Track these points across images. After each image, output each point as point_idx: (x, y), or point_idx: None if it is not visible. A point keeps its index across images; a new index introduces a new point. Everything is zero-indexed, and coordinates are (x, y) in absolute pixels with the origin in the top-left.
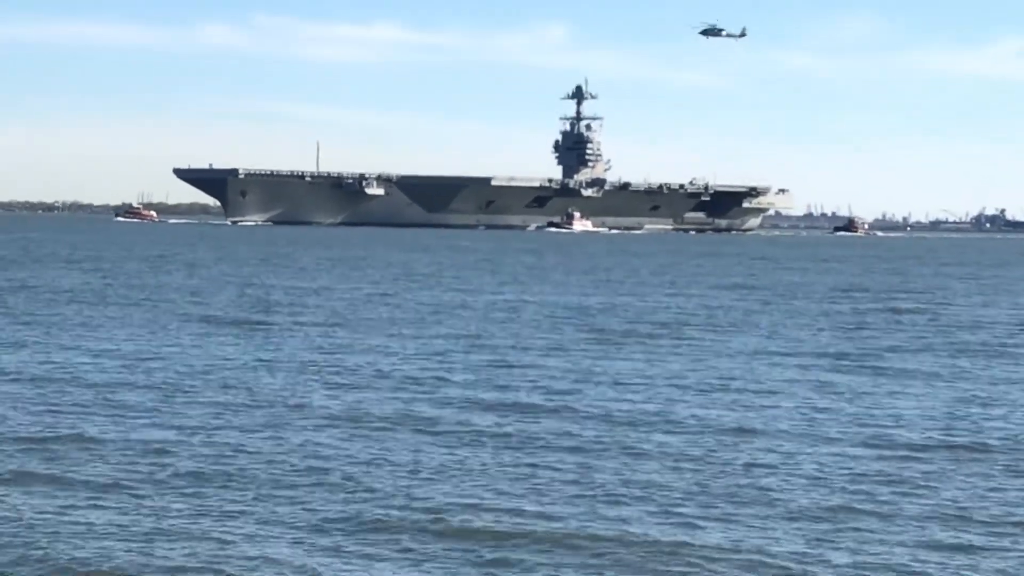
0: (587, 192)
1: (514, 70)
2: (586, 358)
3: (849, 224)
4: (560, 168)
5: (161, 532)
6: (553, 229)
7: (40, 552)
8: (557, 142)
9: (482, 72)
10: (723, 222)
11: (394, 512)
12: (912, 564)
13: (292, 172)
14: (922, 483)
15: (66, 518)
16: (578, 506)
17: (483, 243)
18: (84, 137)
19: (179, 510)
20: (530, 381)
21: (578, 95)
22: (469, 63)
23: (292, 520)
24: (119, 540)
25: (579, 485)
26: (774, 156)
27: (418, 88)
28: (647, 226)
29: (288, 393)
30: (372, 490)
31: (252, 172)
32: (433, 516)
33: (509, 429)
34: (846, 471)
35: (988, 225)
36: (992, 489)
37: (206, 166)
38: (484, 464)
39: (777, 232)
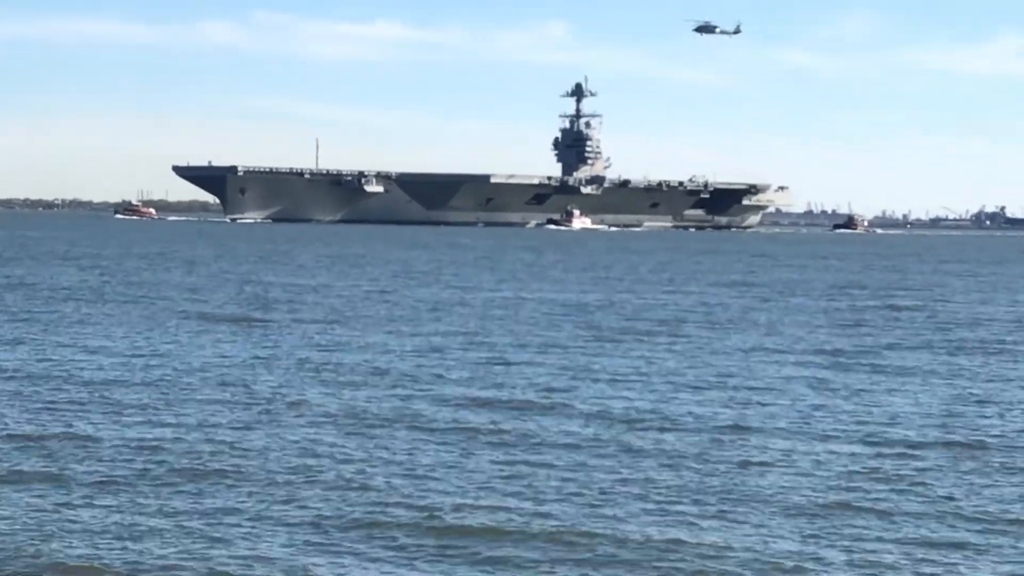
0: (586, 189)
1: (514, 68)
2: (584, 355)
3: (849, 222)
4: (560, 165)
5: (156, 530)
6: (552, 226)
7: (33, 548)
8: (557, 139)
9: (482, 70)
10: (723, 219)
11: (389, 510)
12: (908, 561)
13: (291, 170)
14: (919, 480)
15: (61, 515)
16: (574, 504)
17: (482, 240)
18: (84, 135)
19: (174, 508)
20: (527, 378)
21: (578, 93)
22: (469, 61)
23: (287, 518)
24: (114, 538)
25: (575, 483)
26: (774, 153)
27: (417, 86)
28: (646, 223)
29: (285, 390)
30: (367, 488)
31: (251, 169)
32: (428, 514)
33: (505, 426)
34: (843, 468)
35: (988, 222)
36: (989, 486)
37: (205, 163)
38: (480, 462)
39: (777, 229)
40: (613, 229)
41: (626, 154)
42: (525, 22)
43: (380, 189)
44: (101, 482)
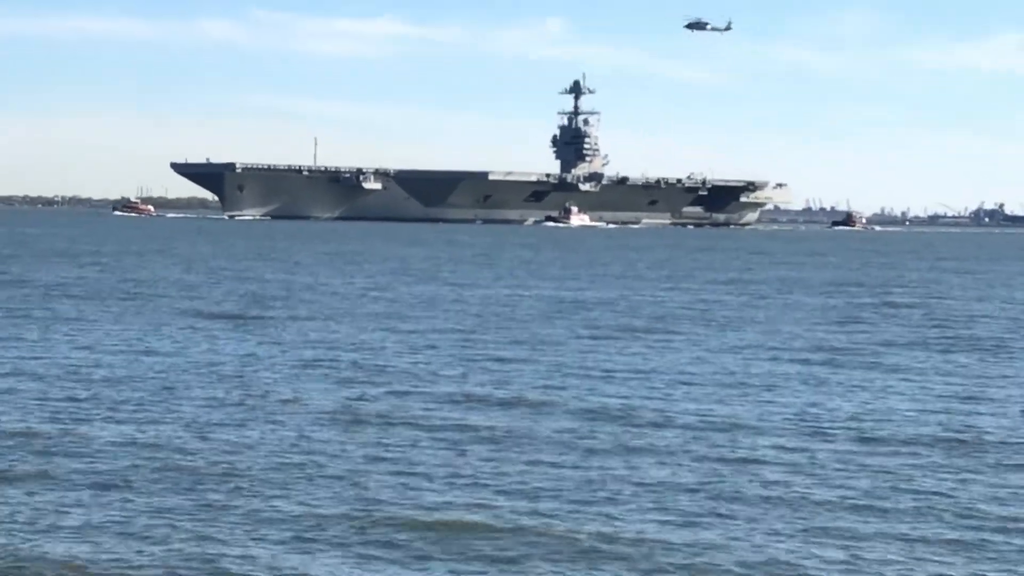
0: (585, 186)
1: (512, 64)
2: (581, 352)
3: (847, 218)
4: (558, 162)
5: (153, 528)
6: (551, 223)
7: (28, 546)
8: (555, 136)
9: (480, 66)
10: (721, 216)
11: (388, 508)
12: (904, 558)
13: (289, 166)
14: (917, 477)
15: (58, 514)
16: (572, 502)
17: (480, 237)
18: (83, 132)
19: (171, 506)
20: (524, 375)
21: (576, 90)
22: (466, 57)
23: (285, 517)
24: (111, 536)
25: (574, 481)
26: (773, 151)
27: (415, 82)
28: (645, 220)
29: (283, 388)
30: (366, 486)
31: (250, 166)
32: (427, 512)
33: (501, 423)
34: (840, 465)
35: (987, 220)
36: (985, 484)
37: (204, 160)
38: (478, 460)
39: (775, 226)
40: (611, 226)
41: (624, 151)
42: (523, 18)
43: (378, 186)
44: (99, 480)
